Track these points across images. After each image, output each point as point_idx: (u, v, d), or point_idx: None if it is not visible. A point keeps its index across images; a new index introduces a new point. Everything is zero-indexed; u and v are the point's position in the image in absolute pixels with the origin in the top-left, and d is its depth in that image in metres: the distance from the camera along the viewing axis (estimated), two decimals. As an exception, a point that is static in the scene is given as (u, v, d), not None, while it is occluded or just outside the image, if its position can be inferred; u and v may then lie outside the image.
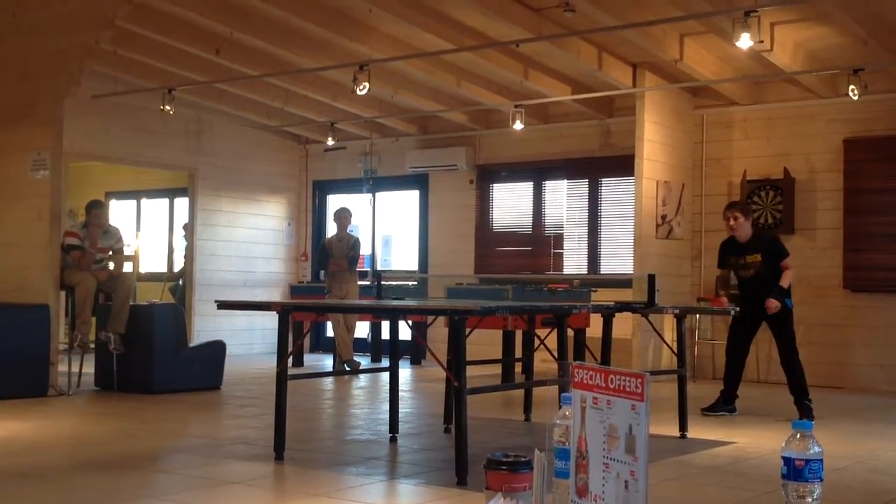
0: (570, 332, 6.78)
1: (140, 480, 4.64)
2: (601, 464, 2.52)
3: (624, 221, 10.60)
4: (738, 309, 7.05)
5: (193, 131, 11.92)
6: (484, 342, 8.47)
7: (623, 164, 10.23)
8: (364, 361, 11.29)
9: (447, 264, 11.90)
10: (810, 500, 2.78)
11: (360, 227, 12.41)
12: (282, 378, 5.08)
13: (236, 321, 11.89)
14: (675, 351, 6.64)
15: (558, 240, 11.33)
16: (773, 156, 9.92)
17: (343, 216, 10.49)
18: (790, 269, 7.19)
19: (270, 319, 11.32)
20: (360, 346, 11.28)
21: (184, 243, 12.40)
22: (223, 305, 5.45)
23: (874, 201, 9.36)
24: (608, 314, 6.39)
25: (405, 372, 10.05)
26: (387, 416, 6.00)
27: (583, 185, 11.15)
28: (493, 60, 9.18)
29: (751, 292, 7.16)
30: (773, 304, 7.01)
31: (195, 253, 11.94)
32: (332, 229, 11.59)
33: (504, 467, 2.90)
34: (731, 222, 7.21)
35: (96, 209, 8.53)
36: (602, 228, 11.00)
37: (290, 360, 5.75)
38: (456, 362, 4.60)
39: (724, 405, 7.22)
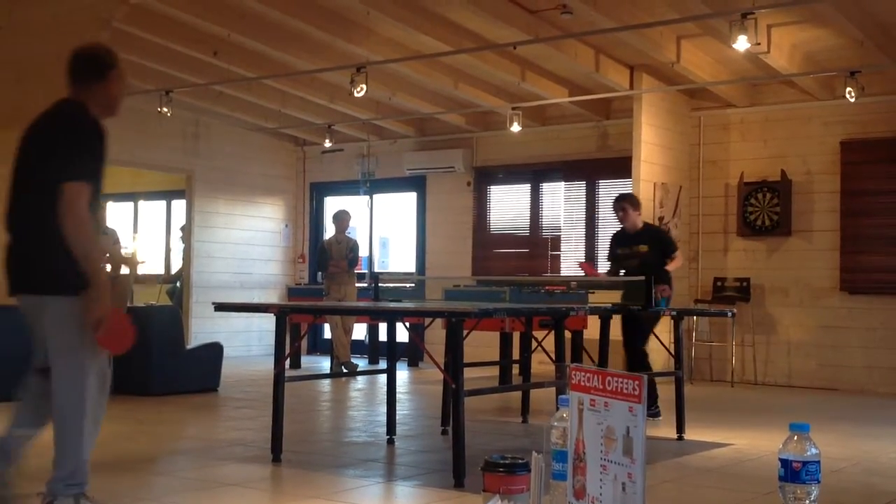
0: (568, 334, 6.78)
1: (137, 482, 4.64)
2: (598, 466, 2.52)
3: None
4: (734, 311, 7.04)
5: (191, 133, 11.92)
6: (481, 344, 8.46)
7: (620, 166, 10.24)
8: (361, 363, 11.29)
9: (445, 266, 11.90)
10: (808, 501, 2.78)
11: (357, 229, 12.41)
12: (279, 380, 5.08)
13: (233, 323, 11.89)
14: (673, 353, 6.65)
15: (556, 242, 11.33)
16: (770, 158, 9.93)
17: (343, 218, 10.50)
18: (679, 258, 7.20)
19: (268, 321, 11.31)
20: (357, 348, 11.27)
21: (181, 245, 12.40)
22: (220, 307, 5.44)
23: (871, 203, 9.37)
24: (606, 316, 6.38)
25: (402, 374, 10.04)
26: (384, 418, 6.00)
27: (580, 187, 11.16)
28: (491, 62, 9.19)
29: None
30: (661, 289, 6.80)
31: (192, 255, 11.93)
32: (329, 231, 11.59)
33: (501, 469, 2.89)
34: (620, 214, 7.28)
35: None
36: (599, 230, 11.00)
37: (287, 362, 5.74)
38: (453, 364, 4.60)
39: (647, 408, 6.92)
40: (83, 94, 3.82)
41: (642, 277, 6.14)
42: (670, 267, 7.17)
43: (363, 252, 11.87)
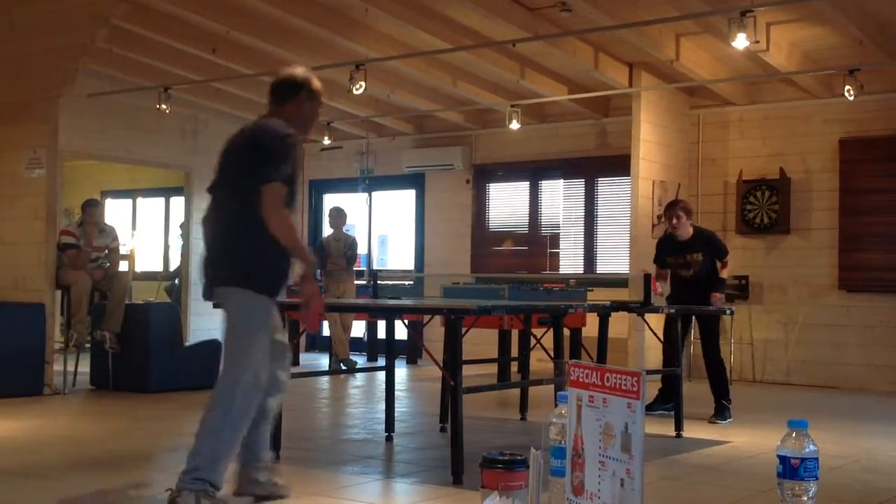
0: (567, 332, 6.78)
1: (135, 479, 4.64)
2: (597, 462, 2.52)
3: (620, 221, 10.61)
4: (733, 309, 7.03)
5: (189, 130, 11.90)
6: (480, 341, 8.47)
7: (619, 164, 10.23)
8: (360, 361, 11.29)
9: (443, 263, 11.90)
10: (806, 498, 2.78)
11: (356, 227, 12.41)
12: (278, 377, 5.07)
13: (232, 320, 11.86)
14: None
15: (554, 239, 11.33)
16: (768, 156, 9.93)
17: (338, 216, 10.49)
18: (728, 264, 7.21)
19: (266, 318, 11.28)
20: (356, 345, 11.27)
21: (180, 242, 12.39)
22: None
23: (870, 201, 9.37)
24: (604, 313, 6.39)
25: (401, 371, 10.04)
26: (383, 415, 6.00)
27: (579, 185, 11.16)
28: (490, 60, 9.19)
29: (688, 293, 7.06)
30: (718, 298, 6.91)
31: (191, 252, 11.92)
32: (328, 229, 11.57)
33: (500, 466, 2.90)
34: (674, 221, 7.12)
35: (92, 208, 8.52)
36: (598, 228, 11.01)
37: (286, 359, 5.72)
38: (452, 361, 4.60)
39: (663, 403, 7.02)
40: (278, 112, 4.13)
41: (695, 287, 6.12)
42: (724, 273, 7.09)
43: (362, 249, 11.87)
